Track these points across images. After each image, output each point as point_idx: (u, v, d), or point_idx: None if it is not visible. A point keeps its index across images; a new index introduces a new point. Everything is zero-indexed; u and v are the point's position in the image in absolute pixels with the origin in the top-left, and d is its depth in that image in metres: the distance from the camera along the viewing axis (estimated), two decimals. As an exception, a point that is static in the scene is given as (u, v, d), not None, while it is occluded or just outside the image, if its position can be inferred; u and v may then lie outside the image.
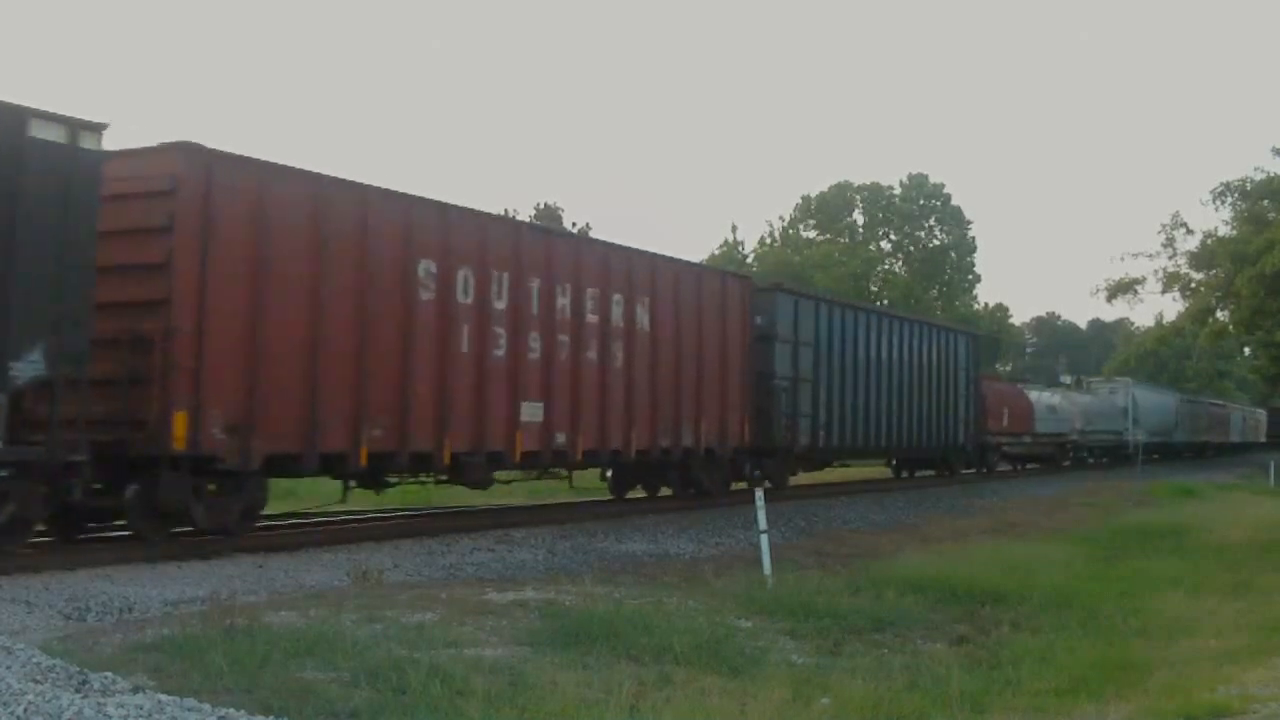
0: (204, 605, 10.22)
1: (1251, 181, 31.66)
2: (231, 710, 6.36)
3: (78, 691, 6.58)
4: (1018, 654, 10.52)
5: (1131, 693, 9.12)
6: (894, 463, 35.00)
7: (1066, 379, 58.80)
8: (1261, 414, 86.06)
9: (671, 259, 21.31)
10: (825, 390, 25.71)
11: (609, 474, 22.00)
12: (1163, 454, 59.01)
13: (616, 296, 19.26)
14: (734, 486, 23.41)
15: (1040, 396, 44.10)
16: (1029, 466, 44.92)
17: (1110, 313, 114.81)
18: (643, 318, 19.87)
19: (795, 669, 9.28)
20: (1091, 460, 51.59)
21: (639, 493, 23.15)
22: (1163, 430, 57.83)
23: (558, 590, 11.74)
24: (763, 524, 14.32)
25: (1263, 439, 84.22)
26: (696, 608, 11.36)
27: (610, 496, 22.52)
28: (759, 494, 14.75)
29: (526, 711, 7.06)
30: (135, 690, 6.68)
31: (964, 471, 36.47)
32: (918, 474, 35.61)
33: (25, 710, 6.04)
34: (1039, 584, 14.15)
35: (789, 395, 24.09)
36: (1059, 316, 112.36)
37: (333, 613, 9.67)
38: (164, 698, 6.46)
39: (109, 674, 6.95)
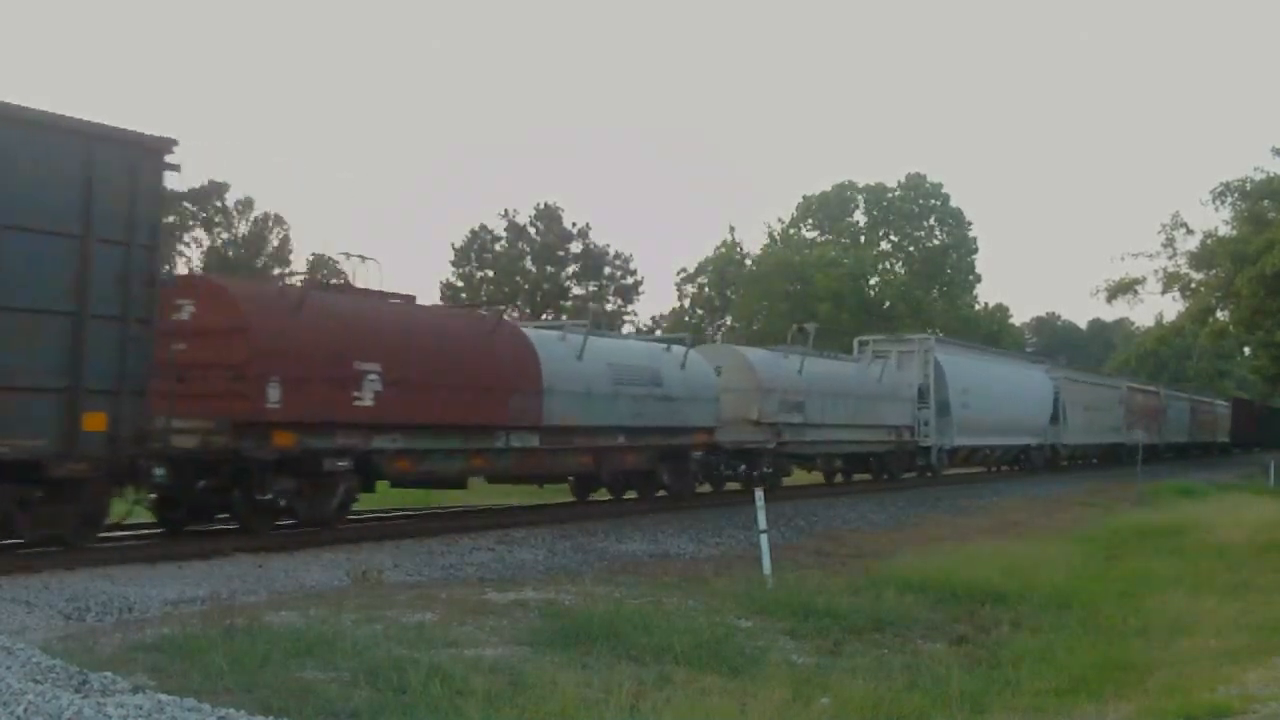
0: (204, 605, 10.22)
1: (1251, 181, 31.71)
2: (231, 710, 6.36)
3: (78, 691, 6.57)
4: (1018, 654, 10.53)
5: (1131, 693, 9.13)
6: None
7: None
8: (1222, 406, 70.56)
9: None
10: None
11: None
12: (1027, 466, 40.37)
13: None
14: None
15: (595, 347, 20.01)
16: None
17: (1110, 313, 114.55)
18: None
19: (795, 669, 9.28)
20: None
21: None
22: (1022, 427, 38.48)
23: (558, 590, 11.74)
24: (763, 524, 14.30)
25: (1224, 438, 68.84)
26: (696, 608, 11.36)
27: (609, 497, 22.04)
28: (759, 494, 14.74)
29: (526, 711, 7.05)
30: (135, 690, 6.68)
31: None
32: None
33: (25, 710, 6.04)
34: (1039, 584, 14.15)
35: None
36: (1059, 316, 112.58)
37: (333, 613, 9.67)
38: (164, 698, 6.45)
39: (109, 674, 6.95)
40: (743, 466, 24.15)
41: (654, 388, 20.99)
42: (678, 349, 22.48)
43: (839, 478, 29.98)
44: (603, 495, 22.22)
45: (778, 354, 27.03)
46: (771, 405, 24.70)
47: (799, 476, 28.44)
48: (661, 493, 21.91)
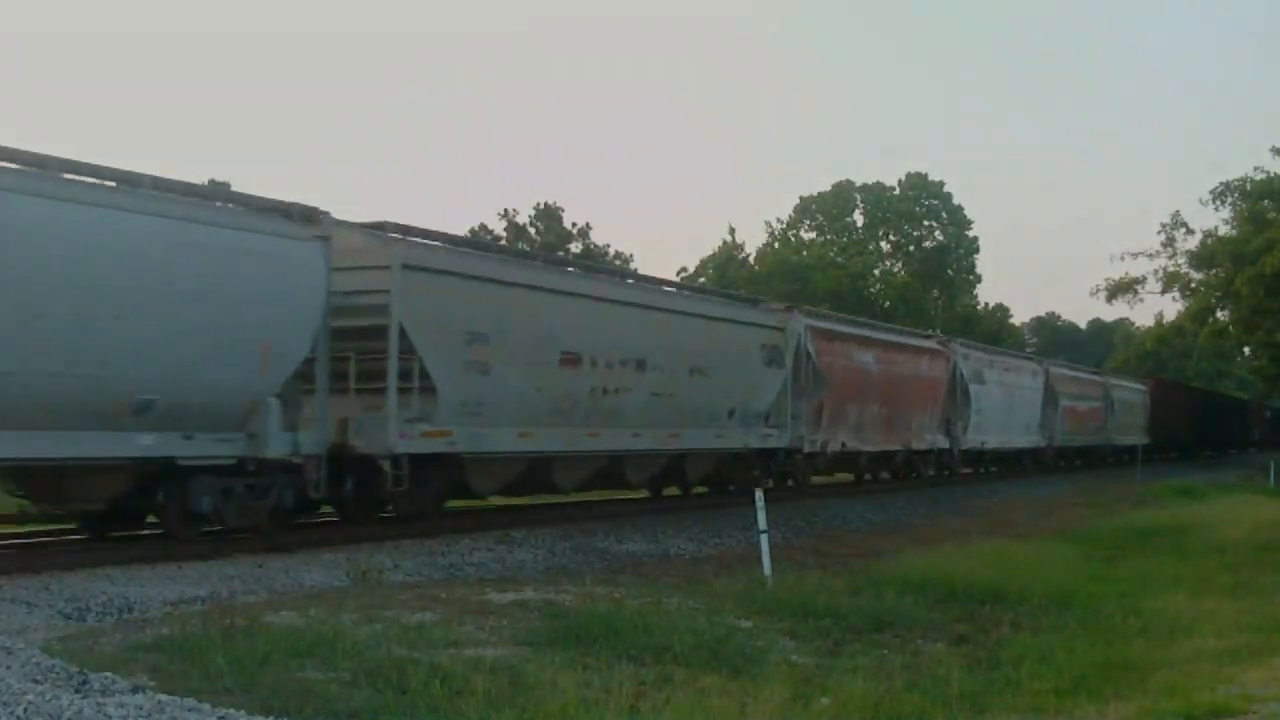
0: (204, 605, 10.23)
1: (1251, 181, 31.74)
2: (231, 710, 6.36)
3: (78, 691, 6.58)
4: (1018, 654, 10.52)
5: (1131, 693, 9.12)
6: None
7: None
8: (1134, 391, 48.34)
9: None
10: None
11: None
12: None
13: None
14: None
15: None
16: None
17: (1110, 313, 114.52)
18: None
19: (795, 669, 9.28)
20: None
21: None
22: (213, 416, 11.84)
23: (558, 590, 11.74)
24: (763, 524, 14.30)
25: (1135, 439, 45.85)
26: (696, 608, 11.36)
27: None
28: (759, 494, 14.73)
29: (526, 711, 7.06)
30: (135, 690, 6.69)
31: None
32: None
33: (25, 710, 6.04)
34: (1039, 584, 14.13)
35: None
36: (1059, 316, 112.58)
37: (333, 613, 9.67)
38: (164, 698, 6.46)
39: (109, 674, 6.96)
40: None
41: None
42: None
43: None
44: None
45: None
46: None
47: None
48: None
